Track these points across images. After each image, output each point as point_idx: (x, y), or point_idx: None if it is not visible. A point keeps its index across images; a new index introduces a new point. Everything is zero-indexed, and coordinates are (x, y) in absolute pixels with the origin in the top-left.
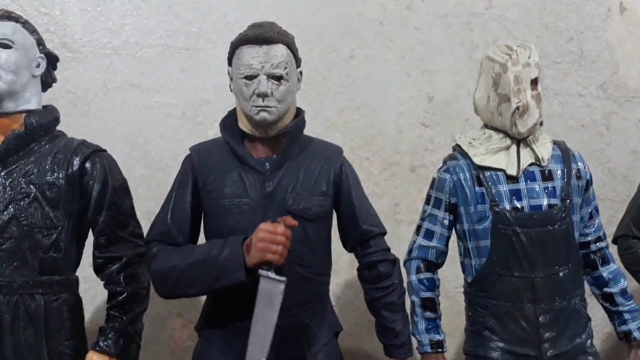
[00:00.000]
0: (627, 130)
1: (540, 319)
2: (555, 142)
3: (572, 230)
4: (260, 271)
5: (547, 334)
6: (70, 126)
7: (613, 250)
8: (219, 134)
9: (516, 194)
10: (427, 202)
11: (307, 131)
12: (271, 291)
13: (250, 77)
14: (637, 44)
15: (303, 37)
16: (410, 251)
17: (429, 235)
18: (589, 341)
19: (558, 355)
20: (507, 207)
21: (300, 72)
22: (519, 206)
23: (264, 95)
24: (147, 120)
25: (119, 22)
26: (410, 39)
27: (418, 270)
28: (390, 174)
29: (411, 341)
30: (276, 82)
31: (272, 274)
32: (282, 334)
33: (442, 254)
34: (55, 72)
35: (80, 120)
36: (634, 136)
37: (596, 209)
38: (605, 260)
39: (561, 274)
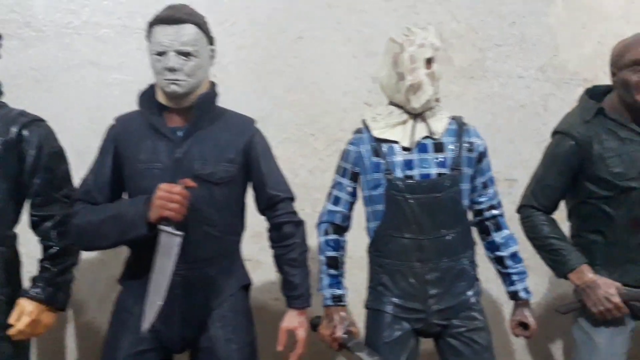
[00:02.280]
0: (563, 111)
1: (427, 276)
2: (453, 118)
3: (459, 198)
4: (160, 226)
5: (433, 291)
6: (34, 101)
7: None
8: None
9: (409, 164)
10: (337, 171)
11: (255, 108)
12: (169, 244)
13: (161, 54)
14: (578, 28)
15: (253, 19)
16: (320, 215)
17: (336, 201)
18: (474, 298)
19: (442, 309)
20: (400, 175)
21: (212, 50)
22: (410, 175)
23: (172, 70)
24: (106, 96)
25: (80, 3)
26: (357, 21)
27: (326, 233)
28: (334, 150)
29: (309, 294)
30: (184, 58)
31: (170, 229)
32: (189, 284)
33: (347, 218)
34: (20, 51)
35: (43, 96)
36: None
37: (491, 180)
38: (499, 227)
39: (448, 237)
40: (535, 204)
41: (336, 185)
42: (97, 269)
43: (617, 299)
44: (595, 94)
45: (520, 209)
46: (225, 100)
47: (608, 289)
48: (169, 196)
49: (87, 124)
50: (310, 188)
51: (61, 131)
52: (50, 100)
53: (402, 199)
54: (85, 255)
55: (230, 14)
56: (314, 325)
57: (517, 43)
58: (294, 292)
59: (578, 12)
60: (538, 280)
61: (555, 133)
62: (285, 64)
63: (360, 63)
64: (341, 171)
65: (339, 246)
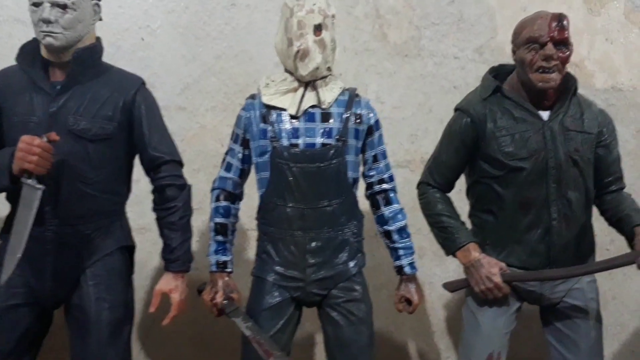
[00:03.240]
0: None
1: (307, 246)
2: (347, 89)
3: (344, 169)
4: (22, 179)
5: (313, 260)
6: None
7: None
8: None
9: (295, 132)
10: (231, 137)
11: (183, 74)
12: (29, 196)
13: (36, 4)
14: (518, 10)
15: None
16: (214, 181)
17: (229, 167)
18: (355, 269)
19: (321, 279)
20: (285, 143)
21: (97, 4)
22: (296, 143)
23: (47, 22)
24: None
25: None
26: None
27: (217, 199)
28: None
29: (188, 258)
30: (61, 10)
31: (30, 182)
32: (62, 240)
33: (239, 185)
34: None
35: None
36: None
37: (382, 154)
38: (389, 201)
39: (330, 207)
40: (431, 181)
41: (229, 151)
42: None
43: (498, 279)
44: (501, 72)
45: (418, 185)
46: (152, 65)
47: (491, 269)
48: (29, 148)
49: None
50: None
51: None
52: None
53: (286, 167)
54: None
55: None
56: (199, 291)
57: (455, 22)
58: (171, 255)
59: None
60: None
61: (455, 110)
62: (216, 30)
63: None
64: (234, 137)
65: (229, 213)
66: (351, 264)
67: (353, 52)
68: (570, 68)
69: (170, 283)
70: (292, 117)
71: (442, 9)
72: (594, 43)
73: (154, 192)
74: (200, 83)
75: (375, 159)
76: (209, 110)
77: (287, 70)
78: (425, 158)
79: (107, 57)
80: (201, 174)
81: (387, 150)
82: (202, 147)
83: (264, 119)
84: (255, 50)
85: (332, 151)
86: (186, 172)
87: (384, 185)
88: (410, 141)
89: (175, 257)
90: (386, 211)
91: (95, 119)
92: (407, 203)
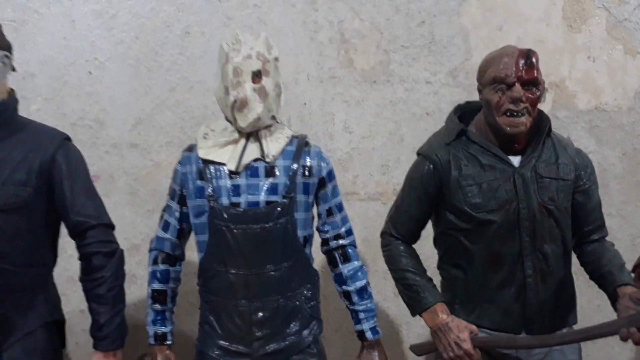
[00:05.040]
0: None
1: (253, 316)
2: (295, 137)
3: (292, 228)
4: None
5: (260, 332)
6: None
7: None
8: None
9: (236, 190)
10: (168, 192)
11: (135, 108)
12: None
13: None
14: (493, 30)
15: (135, 11)
16: (151, 241)
17: (166, 227)
18: (310, 338)
19: (270, 353)
20: (225, 202)
21: (6, 56)
22: (237, 202)
23: None
24: None
25: None
26: (250, 17)
27: (154, 262)
28: None
29: (119, 335)
30: None
31: None
32: None
33: (177, 246)
34: None
35: None
36: None
37: (337, 206)
38: (347, 258)
39: (279, 272)
40: (394, 232)
41: (166, 208)
42: None
43: (467, 345)
44: (468, 111)
45: (381, 235)
46: (101, 101)
47: (460, 333)
48: None
49: None
50: None
51: None
52: None
53: (225, 229)
54: None
55: (110, 5)
56: None
57: (426, 45)
58: (99, 332)
59: (494, 12)
60: None
61: (417, 154)
62: (170, 61)
63: None
64: (171, 192)
65: (167, 278)
66: (305, 332)
67: (318, 80)
68: (551, 89)
69: None
70: (232, 172)
71: (411, 31)
72: (576, 62)
73: (80, 260)
74: (153, 118)
75: (329, 212)
76: (164, 146)
77: (228, 119)
78: (398, 189)
79: (53, 94)
80: (155, 216)
81: (358, 183)
82: (156, 186)
83: (201, 175)
84: (212, 81)
85: (278, 209)
86: (139, 214)
87: (341, 241)
88: (382, 172)
89: (104, 334)
90: (344, 269)
91: (5, 186)
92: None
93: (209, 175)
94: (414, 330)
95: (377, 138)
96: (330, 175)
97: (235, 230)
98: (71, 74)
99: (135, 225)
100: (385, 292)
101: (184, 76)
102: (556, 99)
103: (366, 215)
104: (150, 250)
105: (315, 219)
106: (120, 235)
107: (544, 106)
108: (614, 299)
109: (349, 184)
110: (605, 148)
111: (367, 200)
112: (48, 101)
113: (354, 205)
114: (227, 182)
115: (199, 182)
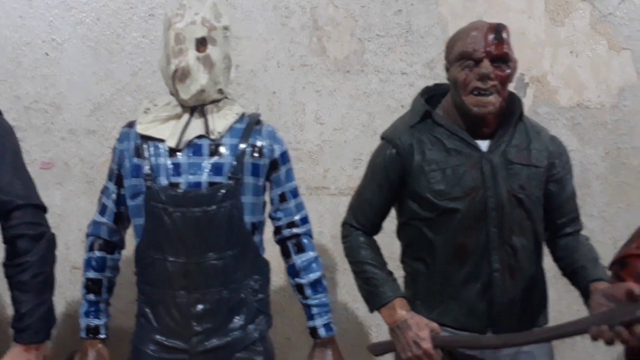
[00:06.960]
0: None
1: (192, 309)
2: (249, 116)
3: (238, 213)
4: None
5: (200, 327)
6: None
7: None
8: None
9: (175, 169)
10: (108, 173)
11: (94, 93)
12: None
13: None
14: (473, 19)
15: None
16: (88, 226)
17: (103, 210)
18: (256, 334)
19: (211, 350)
20: (163, 182)
21: None
22: (176, 182)
23: None
24: None
25: None
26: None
27: (91, 248)
28: None
29: (42, 326)
30: None
31: None
32: None
33: (115, 232)
34: None
35: None
36: None
37: (291, 191)
38: (301, 248)
39: (222, 260)
40: (354, 223)
41: (104, 189)
42: None
43: (427, 345)
44: (437, 93)
45: (342, 225)
46: (57, 84)
47: (419, 332)
48: None
49: None
50: None
51: None
52: None
53: (163, 212)
54: None
55: None
56: None
57: (402, 34)
58: (20, 323)
59: (474, 2)
60: None
61: (381, 139)
62: (132, 44)
63: None
64: (110, 172)
65: (104, 266)
66: (250, 328)
67: (288, 68)
68: (532, 84)
69: (20, 358)
70: (173, 150)
71: (387, 20)
72: (558, 56)
73: (4, 243)
74: (113, 103)
75: (282, 198)
76: None
77: (172, 93)
78: None
79: (6, 75)
80: None
81: (329, 177)
82: None
83: (138, 152)
84: None
85: (222, 191)
86: (95, 204)
87: (295, 230)
88: (354, 166)
89: (25, 325)
90: (298, 260)
91: None
92: None
93: (146, 153)
94: (385, 332)
95: (349, 130)
96: (284, 157)
97: (173, 214)
98: (26, 54)
99: (91, 216)
100: (354, 292)
101: (146, 60)
102: (537, 94)
103: (337, 211)
104: (87, 235)
105: (268, 205)
106: (75, 226)
107: (525, 101)
108: (586, 296)
109: (319, 178)
110: (587, 147)
111: (338, 195)
112: (1, 82)
113: (324, 201)
114: (166, 161)
115: (135, 160)
